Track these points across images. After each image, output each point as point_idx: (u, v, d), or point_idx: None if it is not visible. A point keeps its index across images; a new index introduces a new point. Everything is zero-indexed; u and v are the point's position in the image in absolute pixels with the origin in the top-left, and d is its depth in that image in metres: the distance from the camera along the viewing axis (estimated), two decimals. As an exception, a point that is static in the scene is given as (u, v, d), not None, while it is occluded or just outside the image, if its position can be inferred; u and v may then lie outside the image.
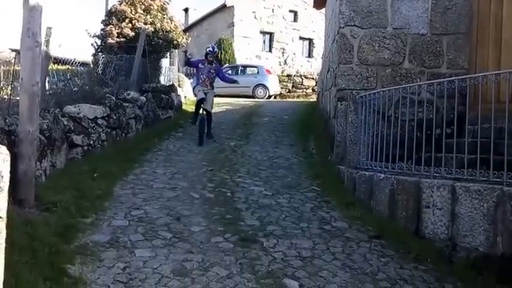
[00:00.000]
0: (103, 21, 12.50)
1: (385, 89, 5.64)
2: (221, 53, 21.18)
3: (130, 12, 12.03)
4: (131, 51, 10.75)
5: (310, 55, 26.06)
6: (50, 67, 8.24)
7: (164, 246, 3.92)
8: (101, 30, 12.26)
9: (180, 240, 4.08)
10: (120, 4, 12.33)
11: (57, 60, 9.79)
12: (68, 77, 9.40)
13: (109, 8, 13.14)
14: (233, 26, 24.27)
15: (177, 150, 7.96)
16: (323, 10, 11.31)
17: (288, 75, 22.65)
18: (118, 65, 10.53)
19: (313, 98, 17.35)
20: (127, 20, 11.93)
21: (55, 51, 8.43)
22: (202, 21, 27.53)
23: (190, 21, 29.24)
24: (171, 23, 12.69)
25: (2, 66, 7.35)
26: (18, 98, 4.66)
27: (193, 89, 16.03)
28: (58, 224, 3.97)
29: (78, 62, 10.47)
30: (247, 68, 19.91)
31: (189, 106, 13.25)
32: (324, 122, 9.11)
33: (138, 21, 11.92)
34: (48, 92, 7.22)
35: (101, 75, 10.16)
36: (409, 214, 4.43)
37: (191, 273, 3.48)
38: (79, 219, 4.28)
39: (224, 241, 4.12)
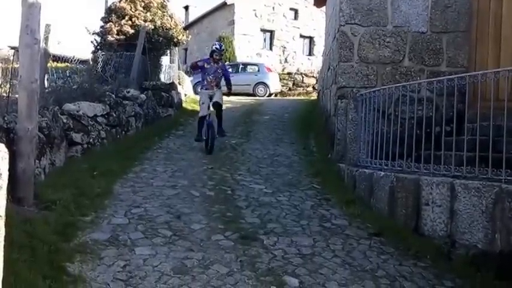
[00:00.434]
0: (102, 19, 12.48)
1: (385, 87, 5.65)
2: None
3: (130, 10, 11.99)
4: (131, 48, 10.73)
5: (310, 53, 26.02)
6: (49, 64, 8.23)
7: (164, 244, 3.92)
8: (101, 27, 12.24)
9: (180, 238, 4.08)
10: (119, 1, 12.28)
11: (56, 58, 9.79)
12: (67, 75, 9.37)
13: (109, 5, 13.10)
14: (233, 23, 24.22)
15: (177, 148, 7.96)
16: (323, 8, 11.28)
17: (289, 73, 22.63)
18: (118, 62, 10.52)
19: (314, 96, 17.34)
20: (127, 17, 11.91)
21: (54, 49, 8.44)
22: (203, 19, 27.49)
23: (191, 18, 29.22)
24: (171, 20, 12.67)
25: (0, 64, 7.33)
26: (17, 95, 4.65)
27: (194, 86, 16.24)
28: (57, 222, 3.97)
29: (78, 60, 10.47)
30: (248, 66, 19.85)
31: (189, 104, 13.24)
32: (324, 120, 9.11)
33: (138, 18, 11.89)
34: (47, 90, 7.20)
35: (100, 73, 10.15)
36: (409, 211, 4.43)
37: (191, 271, 3.48)
38: (78, 217, 4.28)
39: (224, 239, 4.12)
